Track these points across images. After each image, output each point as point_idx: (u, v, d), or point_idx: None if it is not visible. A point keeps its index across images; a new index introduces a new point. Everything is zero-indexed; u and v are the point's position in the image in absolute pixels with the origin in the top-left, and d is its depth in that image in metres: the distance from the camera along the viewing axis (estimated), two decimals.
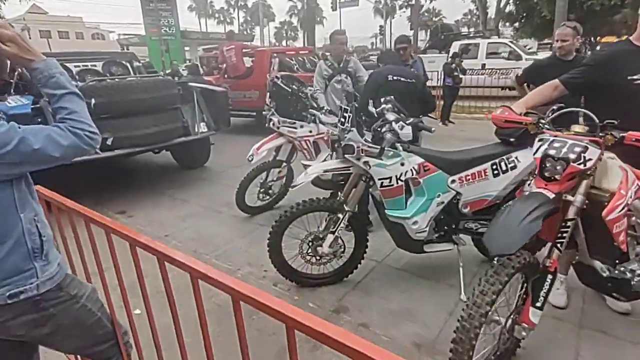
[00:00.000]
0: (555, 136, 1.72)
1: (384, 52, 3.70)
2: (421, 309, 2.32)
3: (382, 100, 2.64)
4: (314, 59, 8.23)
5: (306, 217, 2.48)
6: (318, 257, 2.50)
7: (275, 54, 7.47)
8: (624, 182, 1.65)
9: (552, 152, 1.67)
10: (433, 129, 2.43)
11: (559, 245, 1.67)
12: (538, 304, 1.66)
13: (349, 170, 2.40)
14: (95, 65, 5.22)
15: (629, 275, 1.75)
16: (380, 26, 24.50)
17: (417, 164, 2.32)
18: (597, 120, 1.70)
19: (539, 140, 1.77)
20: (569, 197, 1.67)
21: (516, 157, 2.42)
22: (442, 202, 2.40)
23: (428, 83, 10.53)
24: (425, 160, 2.35)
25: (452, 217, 2.46)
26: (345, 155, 2.28)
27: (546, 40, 19.04)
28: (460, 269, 2.40)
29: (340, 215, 2.40)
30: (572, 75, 2.19)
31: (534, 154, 1.76)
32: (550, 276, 1.66)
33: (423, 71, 4.01)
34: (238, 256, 3.05)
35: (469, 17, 34.97)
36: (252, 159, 3.40)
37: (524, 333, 1.68)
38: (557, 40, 3.07)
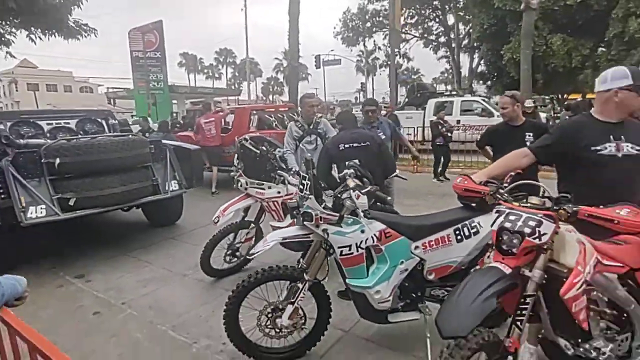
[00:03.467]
0: (511, 208, 1.71)
1: (340, 114, 3.78)
2: None
3: (347, 164, 2.65)
4: (294, 116, 8.47)
5: (266, 286, 2.36)
6: (277, 330, 2.34)
7: (254, 111, 7.65)
8: (581, 257, 1.62)
9: (507, 225, 1.64)
10: (389, 198, 2.41)
11: (518, 323, 1.59)
12: None
13: (309, 237, 2.33)
14: (68, 123, 5.21)
15: (593, 354, 1.67)
16: (362, 83, 25.88)
17: (379, 230, 2.28)
18: (549, 193, 1.71)
19: (496, 212, 1.76)
20: (527, 273, 1.62)
21: (479, 222, 2.39)
22: (406, 269, 2.32)
23: (409, 137, 10.89)
24: (387, 226, 2.31)
25: (417, 284, 2.37)
26: (304, 223, 2.23)
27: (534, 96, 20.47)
28: (428, 340, 2.27)
29: (300, 285, 2.29)
30: (541, 144, 2.24)
31: (492, 226, 1.74)
32: (510, 357, 1.57)
33: (391, 131, 4.12)
34: (197, 327, 2.84)
35: (446, 75, 37.24)
36: (218, 221, 3.32)
37: None
38: (500, 109, 3.25)
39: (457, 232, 2.40)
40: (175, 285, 3.57)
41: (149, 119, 10.93)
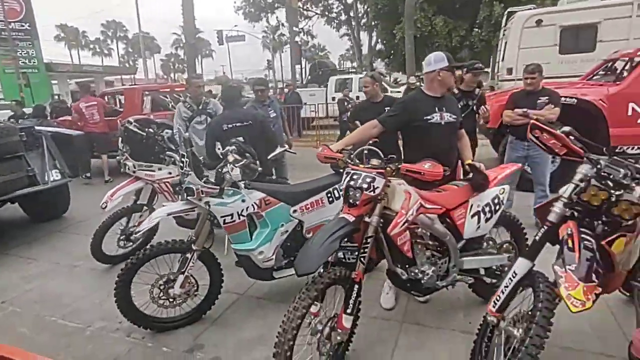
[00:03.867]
0: (355, 170, 2.09)
1: (224, 91, 3.87)
2: (274, 333, 2.48)
3: (230, 141, 2.84)
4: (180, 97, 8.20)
5: (156, 261, 2.48)
6: (172, 300, 2.51)
7: (147, 92, 7.26)
8: (405, 202, 2.07)
9: (352, 182, 2.03)
10: (260, 168, 2.59)
11: (362, 259, 2.01)
12: (348, 310, 1.96)
13: (194, 211, 2.51)
14: None
15: (420, 275, 2.19)
16: (268, 60, 25.57)
17: (259, 199, 2.55)
18: (381, 155, 2.13)
19: (345, 173, 2.14)
20: (366, 219, 2.04)
21: None
22: (287, 231, 2.66)
23: (311, 114, 11.26)
24: (267, 194, 2.60)
25: (298, 243, 2.72)
26: (187, 198, 2.39)
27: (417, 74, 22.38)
28: None
29: (189, 255, 2.47)
30: (386, 116, 2.68)
31: (341, 185, 2.12)
32: (356, 286, 1.98)
33: (280, 111, 4.38)
34: (90, 312, 2.85)
35: (350, 52, 38.68)
36: (106, 206, 3.27)
37: (338, 338, 1.96)
38: (363, 87, 3.75)
39: (329, 194, 2.80)
40: (63, 277, 3.44)
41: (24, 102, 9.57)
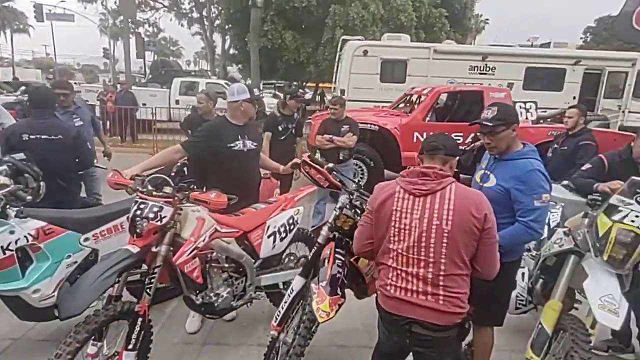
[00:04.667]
0: (143, 199, 2.05)
1: (33, 90, 3.31)
2: None
3: (4, 159, 2.41)
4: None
5: None
6: None
7: None
8: (196, 230, 2.14)
9: (138, 212, 1.98)
10: (29, 197, 2.30)
11: (147, 290, 1.98)
12: (130, 346, 1.90)
13: None
14: None
15: (214, 299, 2.29)
16: (105, 48, 22.00)
17: (35, 229, 2.23)
18: (171, 183, 2.15)
19: (134, 202, 2.08)
20: (154, 249, 2.02)
21: None
22: (76, 262, 2.40)
23: (150, 117, 10.30)
24: (47, 223, 2.30)
25: None
26: None
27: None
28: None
29: None
30: (190, 141, 2.71)
31: (129, 214, 2.05)
32: (140, 319, 1.94)
33: (91, 118, 3.93)
34: None
35: (204, 52, 37.19)
36: None
37: None
38: (198, 103, 3.78)
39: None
40: None
41: None
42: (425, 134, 5.82)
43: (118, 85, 11.17)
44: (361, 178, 5.81)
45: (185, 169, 3.07)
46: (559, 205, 2.59)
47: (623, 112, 9.86)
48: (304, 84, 25.28)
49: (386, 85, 9.62)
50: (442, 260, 1.50)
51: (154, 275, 1.99)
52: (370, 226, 1.68)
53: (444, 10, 17.97)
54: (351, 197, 2.17)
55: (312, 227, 4.35)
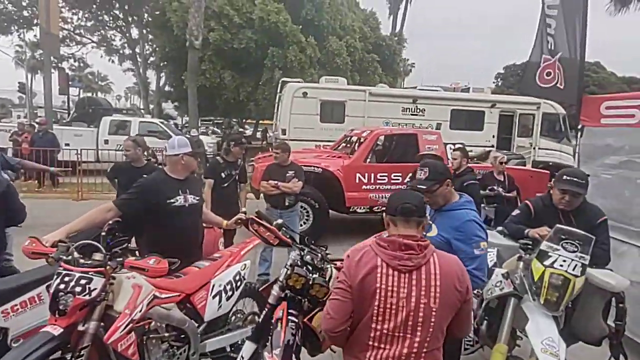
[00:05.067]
0: (68, 270, 1.81)
1: None
2: None
3: None
4: None
5: None
6: None
7: None
8: (132, 300, 1.91)
9: (62, 286, 1.74)
10: None
11: None
12: None
13: None
14: None
15: None
16: (20, 82, 19.58)
17: None
18: (104, 252, 1.93)
19: (56, 274, 1.82)
20: (81, 327, 1.77)
21: None
22: None
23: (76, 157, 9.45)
24: None
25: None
26: None
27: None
28: None
29: None
30: (123, 199, 2.48)
31: (50, 287, 1.79)
32: None
33: (7, 165, 3.48)
34: None
35: (137, 88, 35.71)
36: None
37: None
38: (125, 151, 3.58)
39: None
40: None
41: None
42: (366, 174, 6.03)
43: (36, 125, 10.14)
44: (306, 220, 5.78)
45: (117, 226, 2.80)
46: (495, 247, 2.77)
47: (534, 148, 11.19)
48: (244, 120, 25.29)
49: (326, 125, 9.93)
50: (428, 338, 1.43)
51: (81, 357, 1.73)
52: (351, 301, 1.47)
53: (375, 56, 19.37)
54: (302, 253, 2.11)
55: (259, 275, 4.18)
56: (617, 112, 3.25)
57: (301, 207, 5.64)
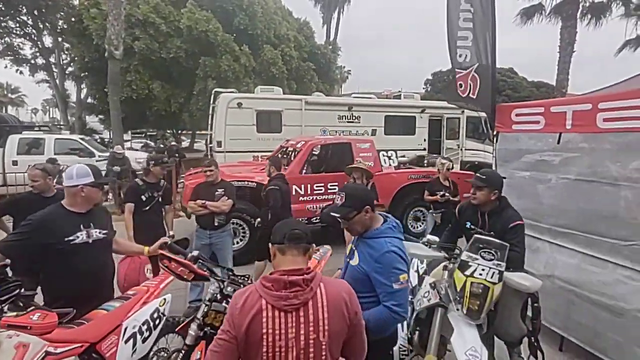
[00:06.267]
0: None
1: None
2: None
3: None
4: None
5: None
6: None
7: None
8: None
9: None
10: None
11: None
12: None
13: None
14: None
15: None
16: None
17: None
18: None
19: None
20: None
21: None
22: None
23: None
24: None
25: None
26: None
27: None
28: None
29: None
30: (8, 241, 2.13)
31: None
32: None
33: None
34: None
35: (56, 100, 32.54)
36: None
37: None
38: (31, 181, 3.16)
39: None
40: None
41: None
42: (303, 186, 5.95)
43: None
44: (242, 238, 5.55)
45: (7, 270, 2.40)
46: (423, 259, 2.82)
47: (461, 149, 11.97)
48: (180, 132, 24.11)
49: (263, 135, 9.74)
50: None
51: None
52: (234, 351, 1.35)
53: (311, 64, 19.55)
54: (222, 285, 1.95)
55: (190, 302, 3.89)
56: (525, 119, 3.49)
57: (237, 223, 5.41)
